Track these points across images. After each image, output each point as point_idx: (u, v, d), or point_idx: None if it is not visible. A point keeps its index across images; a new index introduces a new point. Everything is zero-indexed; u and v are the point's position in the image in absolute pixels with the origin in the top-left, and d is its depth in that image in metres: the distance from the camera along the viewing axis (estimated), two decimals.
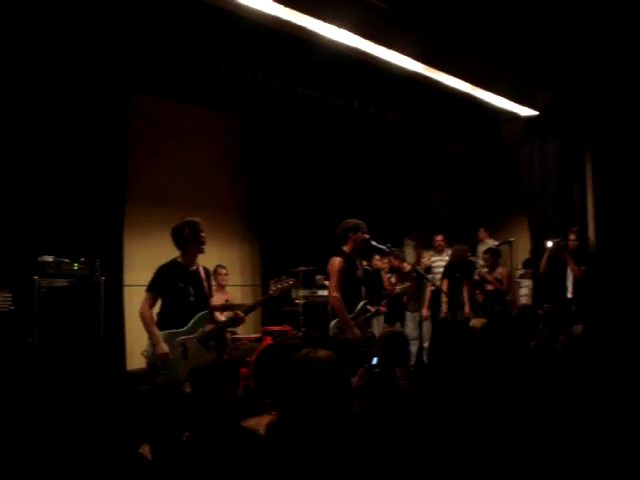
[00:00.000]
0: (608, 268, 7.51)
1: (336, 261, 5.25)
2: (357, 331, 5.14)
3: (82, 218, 6.88)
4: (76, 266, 6.37)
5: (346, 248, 5.37)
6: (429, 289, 7.86)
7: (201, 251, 4.64)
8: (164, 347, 4.32)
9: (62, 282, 6.24)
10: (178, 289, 4.47)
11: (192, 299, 4.53)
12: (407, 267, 7.93)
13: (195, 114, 8.44)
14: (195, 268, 4.60)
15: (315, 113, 8.03)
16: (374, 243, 5.54)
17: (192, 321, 4.50)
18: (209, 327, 4.60)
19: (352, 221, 5.45)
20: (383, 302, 6.98)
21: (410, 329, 8.05)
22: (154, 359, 4.34)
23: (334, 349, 3.13)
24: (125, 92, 7.41)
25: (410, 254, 9.17)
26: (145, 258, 7.61)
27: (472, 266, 8.29)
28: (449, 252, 8.35)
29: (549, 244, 7.33)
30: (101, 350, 6.30)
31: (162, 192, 8.11)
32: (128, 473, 1.95)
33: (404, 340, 3.98)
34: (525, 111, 8.43)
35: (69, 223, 6.75)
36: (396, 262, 8.28)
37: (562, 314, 5.04)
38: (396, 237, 9.00)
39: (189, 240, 4.55)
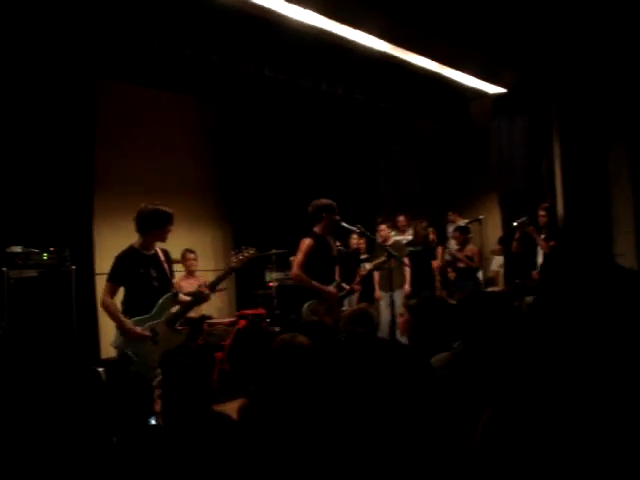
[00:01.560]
0: (576, 242, 7.62)
1: (306, 241, 5.26)
2: (330, 289, 5.18)
3: (50, 207, 6.79)
4: (45, 256, 6.30)
5: (317, 228, 5.36)
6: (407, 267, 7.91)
7: (162, 241, 4.61)
8: (137, 329, 4.30)
9: (32, 272, 6.18)
10: (139, 275, 4.42)
11: (155, 283, 4.49)
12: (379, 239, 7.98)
13: (163, 100, 8.38)
14: (153, 252, 4.56)
15: (283, 95, 8.01)
16: (345, 224, 5.55)
17: (157, 305, 4.46)
18: (175, 308, 4.58)
19: (325, 201, 5.43)
20: (357, 280, 7.02)
21: (383, 308, 8.09)
22: (124, 348, 4.32)
23: (307, 332, 3.16)
24: (91, 79, 7.31)
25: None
26: (116, 246, 7.42)
27: (430, 243, 8.37)
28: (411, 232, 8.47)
29: (515, 223, 7.43)
30: (74, 340, 6.27)
31: (131, 178, 8.04)
32: (101, 462, 1.95)
33: (370, 318, 3.99)
34: (493, 89, 8.47)
35: (37, 213, 6.67)
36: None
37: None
38: (368, 218, 9.02)
39: (155, 230, 4.50)
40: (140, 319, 4.38)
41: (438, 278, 8.20)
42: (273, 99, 8.25)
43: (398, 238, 8.55)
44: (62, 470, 1.88)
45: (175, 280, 6.71)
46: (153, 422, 2.44)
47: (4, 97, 6.47)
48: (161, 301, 4.48)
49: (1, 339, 5.86)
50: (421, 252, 8.02)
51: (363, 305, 7.12)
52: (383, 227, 8.33)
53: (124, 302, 4.45)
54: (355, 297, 7.79)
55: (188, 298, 4.78)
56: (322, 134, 9.68)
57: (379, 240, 7.92)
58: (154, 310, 4.44)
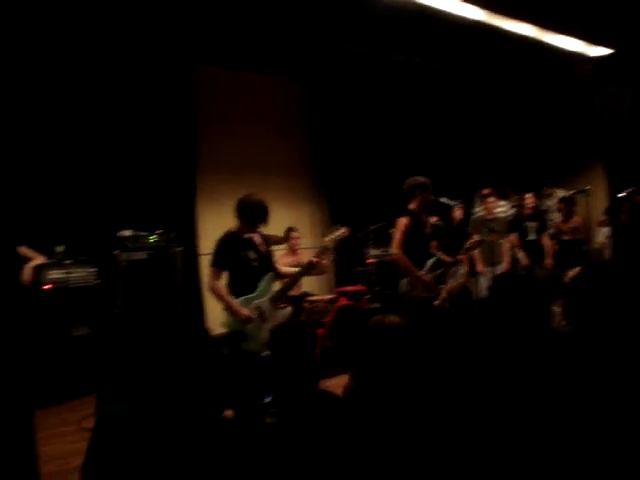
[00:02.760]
0: None
1: (402, 220, 5.25)
2: (427, 278, 5.17)
3: (156, 192, 7.11)
4: (153, 238, 6.59)
5: (412, 206, 5.34)
6: (512, 241, 7.71)
7: (254, 231, 4.73)
8: (245, 311, 4.46)
9: (141, 255, 6.49)
10: (240, 258, 4.58)
11: (255, 264, 4.64)
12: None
13: (258, 82, 8.52)
14: (249, 236, 4.69)
15: (377, 71, 7.94)
16: (444, 200, 5.50)
17: (260, 284, 4.60)
18: (278, 286, 4.72)
19: (419, 179, 5.40)
20: (461, 252, 6.91)
21: (482, 282, 7.94)
22: (235, 327, 4.48)
23: (405, 308, 3.15)
24: (190, 65, 7.53)
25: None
26: (218, 226, 7.73)
27: (544, 214, 8.09)
28: (501, 204, 8.21)
29: (622, 194, 7.08)
30: (182, 317, 6.55)
31: (231, 159, 8.24)
32: (213, 436, 2.02)
33: (468, 295, 3.94)
34: (597, 51, 8.04)
35: (144, 197, 7.00)
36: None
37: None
38: (468, 191, 8.84)
39: (255, 219, 4.64)
40: (246, 299, 4.53)
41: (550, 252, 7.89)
42: (367, 75, 8.20)
43: (499, 210, 8.33)
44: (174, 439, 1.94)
45: (276, 258, 6.90)
46: (268, 399, 2.51)
47: (107, 89, 6.78)
48: (264, 280, 4.61)
49: (117, 316, 6.22)
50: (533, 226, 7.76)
51: (462, 282, 7.05)
52: (491, 199, 8.09)
53: (229, 284, 4.61)
54: (464, 270, 7.69)
55: (292, 271, 4.89)
56: (418, 108, 9.53)
57: (483, 213, 7.76)
58: (258, 289, 4.58)
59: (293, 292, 7.31)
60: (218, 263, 4.59)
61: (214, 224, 7.75)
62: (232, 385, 2.48)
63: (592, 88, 8.44)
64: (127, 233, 6.48)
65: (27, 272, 5.53)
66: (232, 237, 4.66)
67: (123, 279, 6.33)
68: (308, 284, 7.83)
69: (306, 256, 8.10)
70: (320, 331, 6.90)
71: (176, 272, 6.69)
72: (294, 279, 4.90)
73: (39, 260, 5.89)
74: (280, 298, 4.66)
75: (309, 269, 4.80)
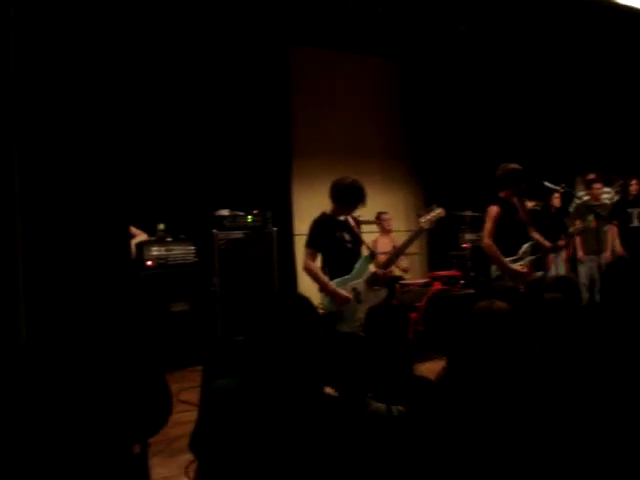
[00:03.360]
0: None
1: (492, 209, 5.15)
2: (518, 268, 5.03)
3: (253, 172, 7.21)
4: (250, 218, 6.71)
5: (503, 193, 5.20)
6: (612, 229, 7.39)
7: (349, 214, 4.72)
8: (344, 293, 4.46)
9: (238, 234, 6.63)
10: (335, 239, 4.58)
11: (349, 246, 4.63)
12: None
13: (353, 62, 8.45)
14: (343, 219, 4.68)
15: (476, 50, 7.72)
16: (548, 184, 5.34)
17: (356, 266, 4.60)
18: (374, 269, 4.70)
19: (511, 166, 5.25)
20: (562, 237, 6.67)
21: (581, 273, 7.65)
22: (331, 308, 4.49)
23: (493, 295, 3.06)
24: (285, 46, 7.57)
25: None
26: (313, 207, 7.79)
27: None
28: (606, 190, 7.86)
29: None
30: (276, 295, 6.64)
31: (325, 141, 8.25)
32: (315, 412, 2.02)
33: (574, 285, 3.79)
34: None
35: (241, 178, 7.11)
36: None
37: None
38: (569, 175, 8.51)
39: (351, 201, 4.61)
40: (342, 280, 4.53)
41: None
42: (465, 55, 7.99)
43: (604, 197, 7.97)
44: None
45: (371, 241, 6.89)
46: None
47: (204, 72, 6.91)
48: (360, 262, 4.60)
49: (214, 294, 6.39)
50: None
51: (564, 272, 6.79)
52: (598, 185, 7.76)
53: (323, 265, 4.63)
54: (563, 256, 7.44)
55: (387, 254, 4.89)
56: (518, 89, 9.19)
57: (588, 199, 7.45)
58: (354, 271, 4.57)
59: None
60: (313, 244, 4.61)
61: (308, 205, 7.79)
62: (331, 365, 2.47)
63: None
64: (225, 213, 6.63)
65: (131, 249, 5.75)
66: (327, 219, 4.67)
67: (220, 257, 6.49)
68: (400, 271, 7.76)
69: (402, 238, 8.09)
70: (413, 315, 6.84)
71: (271, 252, 6.79)
72: (390, 259, 4.88)
73: (142, 237, 6.13)
74: (377, 280, 4.64)
75: (419, 234, 4.86)
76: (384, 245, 7.20)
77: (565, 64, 8.44)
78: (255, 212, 6.76)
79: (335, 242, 4.60)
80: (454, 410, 2.19)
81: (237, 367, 2.65)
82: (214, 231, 6.49)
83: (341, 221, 4.68)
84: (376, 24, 6.75)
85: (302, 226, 7.62)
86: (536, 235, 5.48)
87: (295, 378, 1.96)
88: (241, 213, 6.69)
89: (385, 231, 7.58)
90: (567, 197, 7.86)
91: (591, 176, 7.86)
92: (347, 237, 4.66)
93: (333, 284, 4.50)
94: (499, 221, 5.10)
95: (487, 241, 5.14)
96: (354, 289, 4.55)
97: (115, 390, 2.34)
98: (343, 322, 4.43)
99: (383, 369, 2.83)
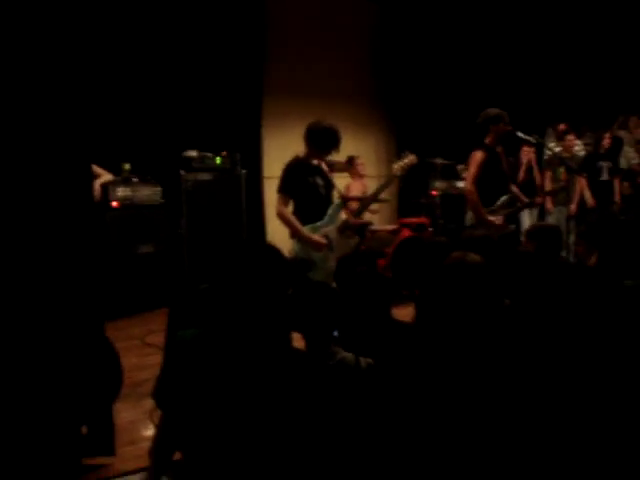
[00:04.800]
0: None
1: (477, 154, 5.05)
2: (494, 221, 5.00)
3: (222, 112, 7.02)
4: (218, 160, 6.57)
5: (488, 140, 5.13)
6: (581, 181, 7.40)
7: (322, 158, 4.60)
8: (319, 238, 4.38)
9: (206, 176, 6.50)
10: (308, 184, 4.47)
11: (322, 191, 4.53)
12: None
13: (330, 3, 8.19)
14: (317, 163, 4.57)
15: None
16: (520, 134, 5.25)
17: (328, 212, 4.51)
18: (345, 215, 4.63)
19: (493, 111, 5.16)
20: (540, 194, 6.66)
21: (550, 222, 7.67)
22: (301, 255, 4.42)
23: (467, 244, 3.04)
24: None
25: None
26: (283, 150, 7.65)
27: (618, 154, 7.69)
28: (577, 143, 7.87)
29: None
30: (245, 239, 6.58)
31: (298, 82, 8.04)
32: (279, 363, 1.99)
33: (557, 234, 3.78)
34: None
35: (210, 117, 6.92)
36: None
37: None
38: (539, 126, 8.47)
39: (326, 146, 4.48)
40: (313, 226, 4.45)
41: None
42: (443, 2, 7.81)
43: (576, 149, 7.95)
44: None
45: (344, 186, 6.81)
46: (336, 333, 2.48)
47: (173, 6, 6.62)
48: (332, 208, 4.52)
49: (181, 236, 6.28)
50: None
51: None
52: (571, 137, 7.73)
53: (295, 211, 4.53)
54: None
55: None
56: (489, 37, 9.04)
57: (559, 150, 7.43)
58: (326, 217, 4.49)
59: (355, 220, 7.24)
60: (286, 189, 4.50)
61: (278, 147, 7.67)
62: (301, 313, 2.43)
63: None
64: (193, 154, 6.46)
65: (96, 189, 5.59)
66: (300, 163, 4.55)
67: (187, 199, 6.36)
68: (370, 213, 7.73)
69: (373, 184, 8.03)
70: (381, 261, 6.84)
71: (240, 194, 6.69)
72: (362, 207, 4.81)
73: (107, 177, 5.95)
74: (348, 227, 4.57)
75: (389, 183, 4.75)
76: (356, 190, 7.13)
77: (539, 11, 8.30)
78: (224, 153, 6.61)
79: (308, 187, 4.49)
80: (422, 359, 2.18)
81: (202, 315, 2.60)
82: (181, 172, 6.34)
83: (314, 165, 4.57)
84: None
85: (272, 168, 7.52)
86: (514, 189, 5.44)
87: (260, 329, 1.92)
88: (209, 154, 6.53)
89: (357, 176, 7.50)
90: (539, 148, 7.84)
91: (562, 127, 7.83)
92: (320, 182, 4.55)
93: (306, 230, 4.42)
94: (483, 167, 5.02)
95: (469, 187, 5.04)
96: (326, 236, 4.47)
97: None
98: (314, 270, 4.37)
99: (357, 316, 2.81)
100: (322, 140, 4.45)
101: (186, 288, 5.78)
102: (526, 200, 5.45)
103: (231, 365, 1.87)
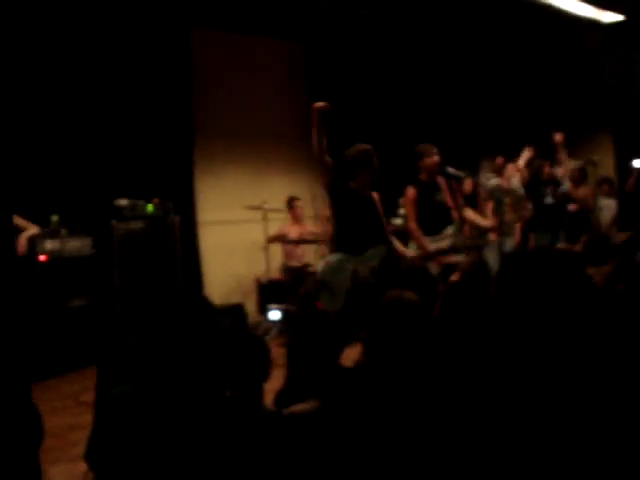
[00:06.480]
0: None
1: (408, 192, 5.18)
2: (431, 249, 5.03)
3: (153, 159, 6.90)
4: (150, 207, 6.43)
5: (421, 175, 5.23)
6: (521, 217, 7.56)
7: None
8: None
9: (138, 224, 6.33)
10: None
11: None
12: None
13: (257, 46, 8.23)
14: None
15: (381, 34, 7.71)
16: (450, 170, 5.34)
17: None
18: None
19: (418, 147, 5.29)
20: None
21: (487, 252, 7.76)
22: (323, 278, 4.47)
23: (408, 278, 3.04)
24: (186, 28, 7.26)
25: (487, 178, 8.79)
26: (217, 195, 7.62)
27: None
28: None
29: (635, 164, 6.92)
30: (180, 288, 6.42)
31: (229, 126, 7.99)
32: (221, 418, 1.91)
33: (486, 270, 3.79)
34: (608, 17, 7.81)
35: (141, 165, 6.79)
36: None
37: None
38: (473, 160, 8.67)
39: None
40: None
41: None
42: (372, 39, 7.96)
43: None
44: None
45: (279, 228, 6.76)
46: None
47: (101, 54, 6.52)
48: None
49: (114, 289, 6.08)
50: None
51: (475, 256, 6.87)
52: (511, 166, 7.63)
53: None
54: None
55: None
56: (427, 76, 9.26)
57: (499, 183, 7.54)
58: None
59: (295, 263, 7.19)
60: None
61: (212, 192, 7.59)
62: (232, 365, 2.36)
63: (602, 56, 8.24)
64: (123, 202, 6.30)
65: (21, 243, 5.37)
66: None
67: (120, 249, 6.18)
68: (310, 254, 7.69)
69: (310, 225, 8.01)
70: (320, 304, 6.77)
71: (174, 242, 6.54)
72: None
73: (33, 230, 5.72)
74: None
75: None
76: (296, 232, 7.14)
77: (471, 50, 8.57)
78: (156, 200, 6.47)
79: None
80: (369, 397, 2.14)
81: (132, 370, 2.48)
82: (112, 222, 6.16)
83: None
84: (278, 7, 6.61)
85: (206, 214, 7.43)
86: (470, 215, 5.52)
87: (191, 382, 1.84)
88: (141, 202, 6.38)
89: (297, 218, 7.47)
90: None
91: (499, 160, 7.91)
92: None
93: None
94: (416, 203, 5.13)
95: (410, 225, 5.16)
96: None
97: None
98: (331, 295, 4.36)
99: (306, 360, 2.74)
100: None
101: (116, 342, 5.57)
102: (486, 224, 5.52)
103: (164, 421, 1.78)
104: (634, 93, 7.95)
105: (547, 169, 7.68)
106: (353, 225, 4.57)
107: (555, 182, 7.68)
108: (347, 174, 4.68)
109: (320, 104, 4.67)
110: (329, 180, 4.71)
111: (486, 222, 5.68)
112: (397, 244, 5.00)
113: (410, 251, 5.02)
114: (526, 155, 7.37)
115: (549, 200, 7.61)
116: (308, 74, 9.01)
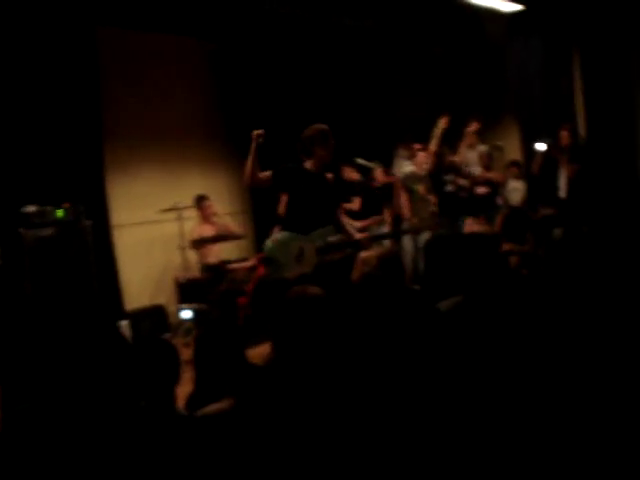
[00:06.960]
0: (600, 164, 7.41)
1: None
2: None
3: (61, 163, 6.68)
4: (60, 213, 6.25)
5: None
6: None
7: None
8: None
9: (48, 231, 6.15)
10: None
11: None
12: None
13: (166, 44, 8.06)
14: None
15: (292, 31, 7.71)
16: (361, 161, 5.43)
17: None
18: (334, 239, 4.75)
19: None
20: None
21: (405, 242, 7.90)
22: (272, 255, 4.57)
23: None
24: (92, 27, 7.04)
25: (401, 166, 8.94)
26: (130, 196, 7.48)
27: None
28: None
29: (539, 146, 7.19)
30: (96, 294, 6.30)
31: (140, 126, 7.83)
32: (133, 429, 1.91)
33: (400, 265, 3.90)
34: (508, 7, 8.08)
35: (49, 169, 6.57)
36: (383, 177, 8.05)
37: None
38: (387, 150, 8.81)
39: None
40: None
41: None
42: (279, 34, 7.94)
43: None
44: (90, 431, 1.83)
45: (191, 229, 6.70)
46: None
47: (3, 55, 6.28)
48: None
49: (25, 300, 5.89)
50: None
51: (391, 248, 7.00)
52: (423, 154, 7.70)
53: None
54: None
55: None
56: (334, 69, 9.31)
57: (413, 169, 7.63)
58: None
59: (212, 260, 7.16)
60: None
61: (125, 193, 7.45)
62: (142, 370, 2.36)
63: (504, 44, 8.51)
64: (31, 208, 6.10)
65: None
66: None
67: (30, 258, 5.99)
68: (228, 251, 7.68)
69: (227, 220, 7.98)
70: (242, 299, 6.77)
71: (87, 247, 6.39)
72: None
73: None
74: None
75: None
76: (207, 232, 7.10)
77: (375, 42, 8.68)
78: (66, 205, 6.30)
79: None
80: (279, 393, 2.19)
81: (35, 391, 2.44)
82: (21, 230, 5.97)
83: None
84: (186, 3, 6.51)
85: (120, 216, 7.28)
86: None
87: (101, 400, 1.84)
88: (50, 208, 6.19)
89: (207, 217, 7.42)
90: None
91: (417, 146, 7.98)
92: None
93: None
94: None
95: None
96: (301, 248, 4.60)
97: None
98: (276, 268, 4.58)
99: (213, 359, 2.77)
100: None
101: (21, 358, 5.42)
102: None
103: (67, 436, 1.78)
104: (534, 79, 8.25)
105: (448, 157, 7.91)
106: (302, 205, 4.62)
107: (455, 169, 7.90)
108: (302, 153, 4.62)
109: (259, 132, 4.69)
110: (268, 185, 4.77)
111: (357, 225, 5.74)
112: (348, 225, 5.02)
113: (358, 233, 5.08)
114: (437, 133, 7.50)
115: (450, 188, 7.83)
116: (218, 71, 8.93)
